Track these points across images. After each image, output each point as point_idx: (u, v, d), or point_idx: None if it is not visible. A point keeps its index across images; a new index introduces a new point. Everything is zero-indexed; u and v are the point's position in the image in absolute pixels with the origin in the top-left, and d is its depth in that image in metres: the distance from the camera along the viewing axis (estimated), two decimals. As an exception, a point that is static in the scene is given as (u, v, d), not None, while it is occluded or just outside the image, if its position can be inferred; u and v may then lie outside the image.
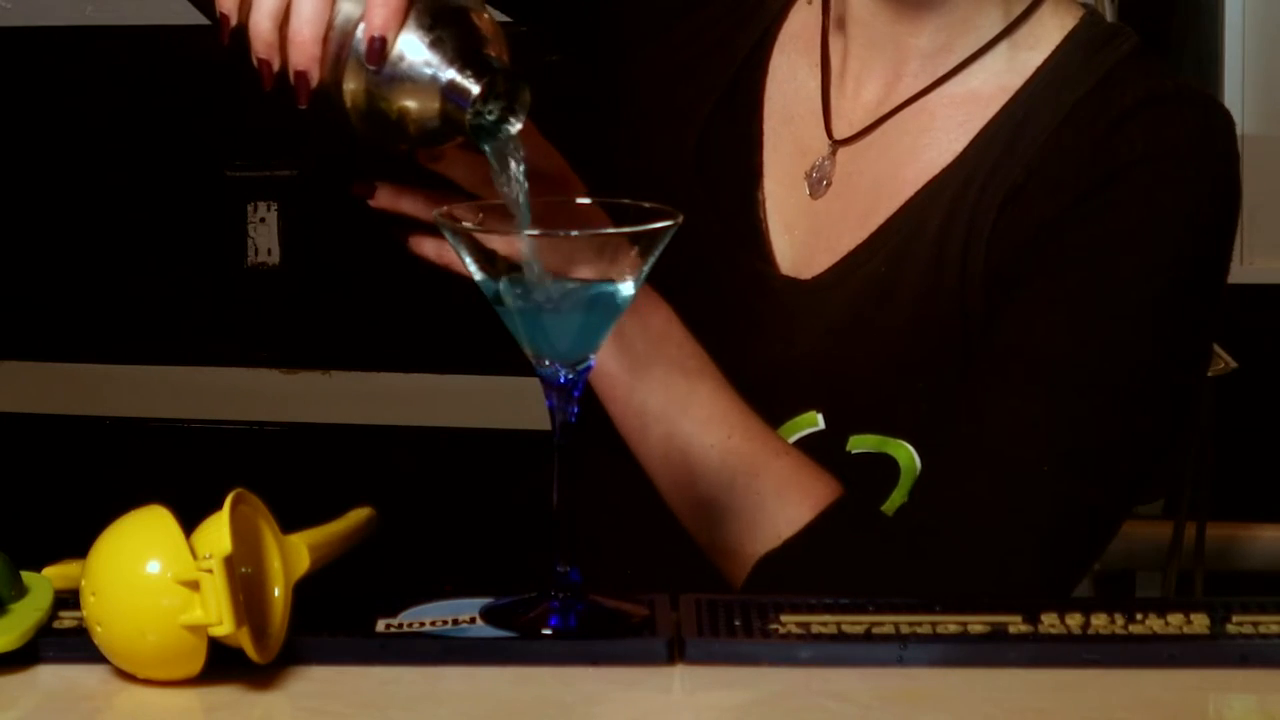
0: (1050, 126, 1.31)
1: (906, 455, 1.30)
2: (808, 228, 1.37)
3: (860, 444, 1.30)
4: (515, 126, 1.13)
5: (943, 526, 1.24)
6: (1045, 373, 1.26)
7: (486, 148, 1.13)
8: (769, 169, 1.40)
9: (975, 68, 1.35)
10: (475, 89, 1.11)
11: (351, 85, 1.14)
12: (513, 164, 1.13)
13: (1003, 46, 1.35)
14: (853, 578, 1.22)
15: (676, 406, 1.27)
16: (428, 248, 1.24)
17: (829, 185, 1.37)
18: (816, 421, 1.31)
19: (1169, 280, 1.28)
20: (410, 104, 1.13)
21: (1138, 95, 1.30)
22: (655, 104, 1.43)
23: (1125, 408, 1.27)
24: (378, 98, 1.13)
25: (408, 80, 1.12)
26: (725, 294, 1.34)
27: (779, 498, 1.26)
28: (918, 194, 1.33)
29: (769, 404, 1.30)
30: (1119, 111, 1.29)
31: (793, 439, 1.31)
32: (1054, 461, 1.24)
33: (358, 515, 1.18)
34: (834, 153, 1.38)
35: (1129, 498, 1.30)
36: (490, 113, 1.13)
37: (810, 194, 1.37)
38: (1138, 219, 1.27)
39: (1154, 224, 1.27)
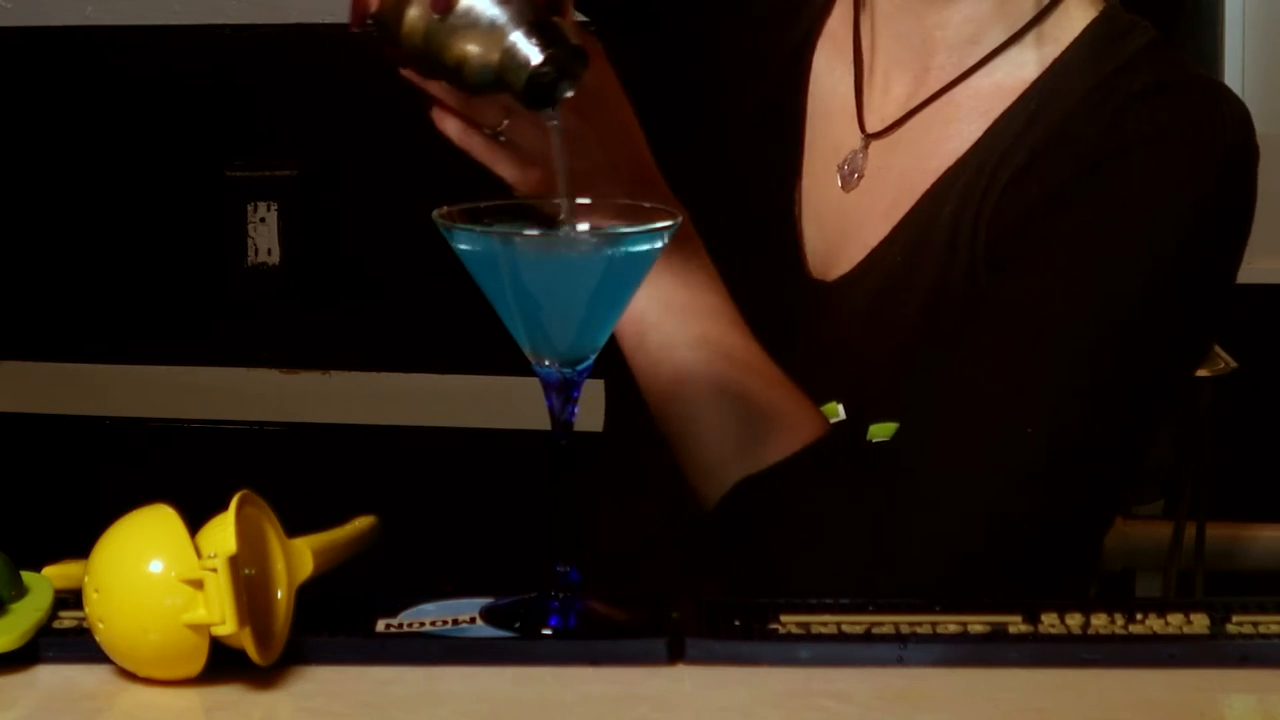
0: (1062, 112, 1.31)
1: None
2: (837, 223, 1.38)
3: (880, 433, 1.30)
4: (566, 94, 1.11)
5: (925, 474, 1.24)
6: (1038, 335, 1.26)
7: (533, 109, 1.12)
8: (807, 166, 1.41)
9: (1000, 60, 1.36)
10: (538, 57, 1.10)
11: (411, 24, 1.11)
12: (555, 126, 1.12)
13: (1029, 39, 1.35)
14: (829, 513, 1.24)
15: (676, 318, 1.26)
16: (450, 126, 1.20)
17: (860, 178, 1.38)
18: (838, 412, 1.31)
19: (1170, 258, 1.27)
20: (467, 57, 1.11)
21: (1149, 82, 1.31)
22: (697, 102, 1.44)
23: (1117, 375, 1.27)
24: (435, 42, 1.11)
25: (470, 32, 1.10)
26: (753, 290, 1.34)
27: (769, 424, 1.26)
28: (935, 184, 1.34)
29: None
30: (1129, 95, 1.30)
31: None
32: (1040, 419, 1.25)
33: (362, 523, 1.18)
34: (866, 146, 1.39)
35: (1113, 468, 1.30)
36: (545, 77, 1.11)
37: (842, 186, 1.38)
38: (1143, 196, 1.27)
39: (1159, 202, 1.27)
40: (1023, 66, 1.35)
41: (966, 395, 1.26)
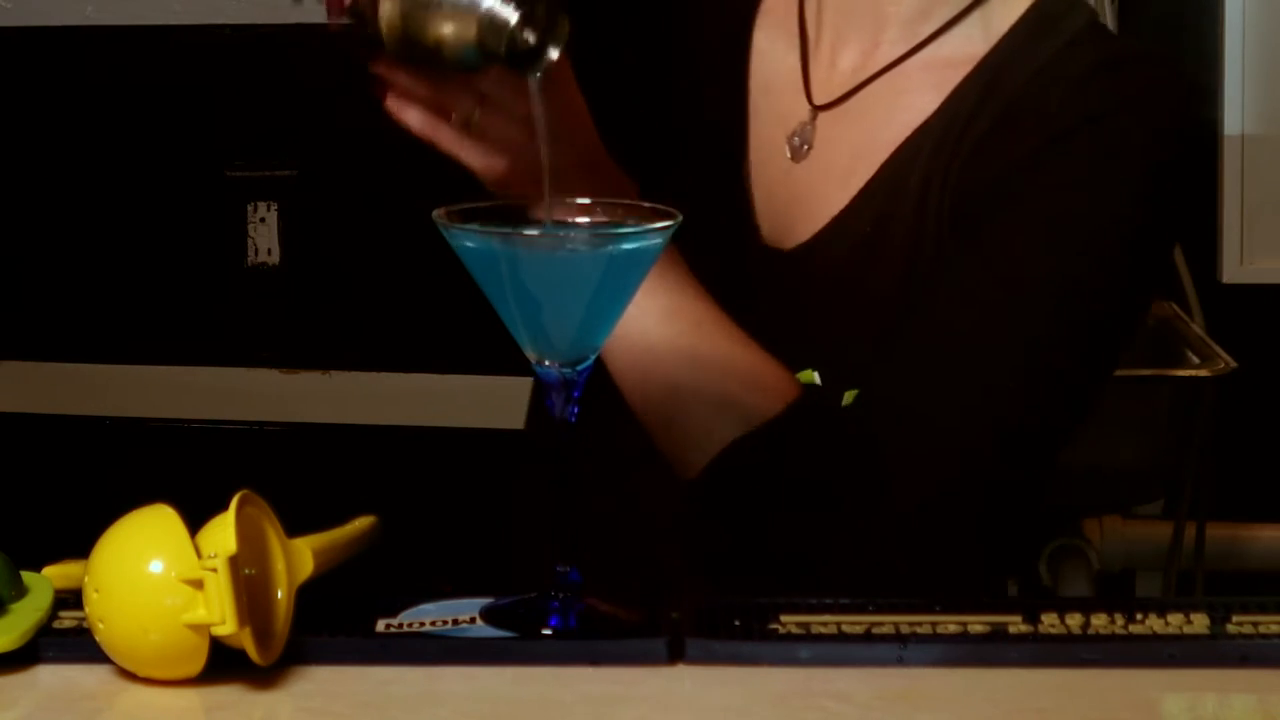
0: (1019, 83, 1.36)
1: None
2: (787, 193, 1.41)
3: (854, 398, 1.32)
4: (552, 55, 1.13)
5: (900, 423, 1.28)
6: (1003, 283, 1.30)
7: (519, 70, 1.13)
8: (754, 139, 1.43)
9: (949, 35, 1.40)
10: (514, 16, 1.11)
11: (388, 9, 1.12)
12: (537, 81, 1.13)
13: (976, 14, 1.40)
14: (816, 469, 1.27)
15: (642, 292, 1.26)
16: (412, 116, 1.21)
17: (810, 149, 1.41)
18: (814, 379, 1.33)
19: (1128, 218, 1.33)
20: (445, 33, 1.12)
21: (1102, 55, 1.37)
22: (643, 82, 1.45)
23: (1074, 325, 1.32)
24: (413, 23, 1.12)
25: (445, 7, 1.11)
26: (707, 261, 1.35)
27: (749, 388, 1.29)
28: (895, 154, 1.38)
29: None
30: (1090, 66, 1.35)
31: None
32: (1002, 354, 1.29)
33: (362, 523, 1.19)
34: (814, 118, 1.42)
35: (1070, 414, 1.34)
36: (527, 40, 1.12)
37: (792, 157, 1.41)
38: (1107, 162, 1.32)
39: (1121, 167, 1.33)
40: (970, 41, 1.39)
41: (933, 346, 1.30)
